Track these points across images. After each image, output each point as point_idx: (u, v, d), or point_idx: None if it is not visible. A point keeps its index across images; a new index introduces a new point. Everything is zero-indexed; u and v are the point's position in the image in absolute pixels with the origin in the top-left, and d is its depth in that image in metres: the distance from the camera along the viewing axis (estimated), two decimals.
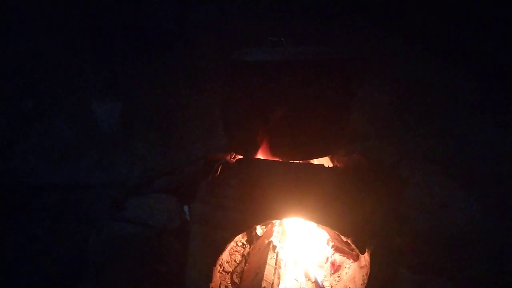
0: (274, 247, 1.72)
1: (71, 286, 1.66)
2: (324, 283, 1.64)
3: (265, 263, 1.60)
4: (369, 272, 1.46)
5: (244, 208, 1.44)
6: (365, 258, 1.51)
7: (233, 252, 1.81)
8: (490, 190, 1.95)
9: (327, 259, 1.76)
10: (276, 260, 1.67)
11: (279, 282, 1.61)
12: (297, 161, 1.58)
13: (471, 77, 2.41)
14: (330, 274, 1.71)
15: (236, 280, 1.67)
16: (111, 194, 1.87)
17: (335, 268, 1.72)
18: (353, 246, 1.52)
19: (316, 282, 1.64)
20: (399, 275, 1.49)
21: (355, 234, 1.44)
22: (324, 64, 1.52)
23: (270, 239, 1.75)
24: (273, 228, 1.84)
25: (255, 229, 1.88)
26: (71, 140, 2.90)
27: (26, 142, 2.89)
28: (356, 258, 1.63)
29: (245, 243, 1.88)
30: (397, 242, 1.50)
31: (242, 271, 1.71)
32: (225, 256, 1.71)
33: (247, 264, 1.74)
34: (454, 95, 2.46)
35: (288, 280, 1.66)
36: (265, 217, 1.47)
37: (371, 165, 1.74)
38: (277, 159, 1.54)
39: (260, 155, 1.56)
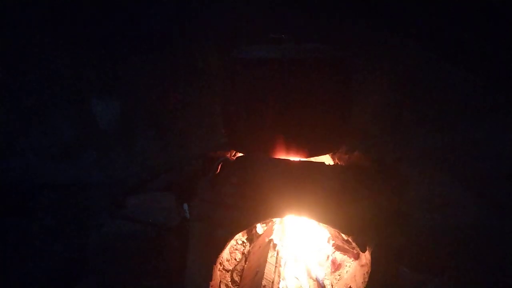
0: (275, 245, 1.72)
1: (70, 284, 1.65)
2: (324, 282, 1.63)
3: (265, 261, 1.60)
4: (369, 270, 1.45)
5: (245, 206, 1.43)
6: (365, 256, 1.50)
7: (233, 250, 1.81)
8: (491, 189, 1.95)
9: (328, 257, 1.76)
10: (277, 258, 1.67)
11: (280, 281, 1.60)
12: (298, 159, 1.57)
13: (472, 76, 2.40)
14: (331, 273, 1.70)
15: (236, 279, 1.66)
16: (111, 192, 1.86)
17: (336, 266, 1.71)
18: (353, 244, 1.51)
19: (316, 280, 1.63)
20: (399, 273, 1.48)
21: (356, 232, 1.44)
22: (325, 62, 1.52)
23: (271, 237, 1.75)
24: (274, 226, 1.83)
25: (256, 227, 1.87)
26: (70, 138, 2.89)
27: (25, 140, 2.89)
28: (356, 257, 1.63)
29: (245, 241, 1.87)
30: (398, 240, 1.49)
31: (242, 270, 1.71)
32: (225, 254, 1.70)
33: (247, 263, 1.74)
34: (455, 93, 2.46)
35: (289, 278, 1.65)
36: (266, 215, 1.47)
37: (372, 163, 1.74)
38: (278, 157, 1.54)
39: (260, 153, 1.55)
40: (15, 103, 2.85)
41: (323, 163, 1.56)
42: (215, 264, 1.49)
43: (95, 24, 2.66)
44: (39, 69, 2.80)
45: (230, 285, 1.63)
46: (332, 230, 1.65)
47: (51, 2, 2.66)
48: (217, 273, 1.55)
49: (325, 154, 1.71)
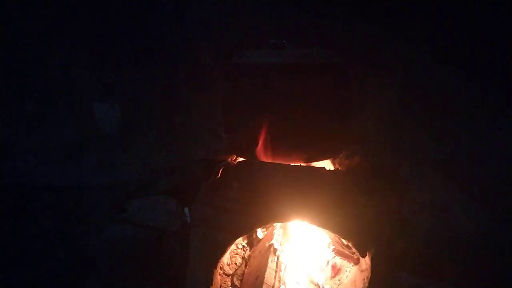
0: (275, 250, 1.72)
1: (72, 287, 1.65)
2: (324, 287, 1.63)
3: (265, 266, 1.60)
4: (369, 275, 1.45)
5: (245, 211, 1.44)
6: (365, 261, 1.50)
7: (233, 254, 1.81)
8: (490, 193, 1.95)
9: (328, 262, 1.76)
10: (277, 263, 1.67)
11: (280, 285, 1.60)
12: (298, 164, 1.58)
13: (472, 80, 2.41)
14: (331, 278, 1.70)
15: (237, 283, 1.66)
16: (112, 196, 1.87)
17: (336, 271, 1.71)
18: (354, 249, 1.51)
19: (317, 285, 1.63)
20: (400, 278, 1.49)
21: (356, 237, 1.44)
22: (325, 67, 1.52)
23: (271, 242, 1.75)
24: (274, 231, 1.83)
25: (256, 231, 1.87)
26: (72, 141, 2.90)
27: (26, 143, 2.89)
28: (356, 262, 1.63)
29: (245, 245, 1.87)
30: (398, 245, 1.49)
31: (243, 274, 1.71)
32: (225, 258, 1.70)
33: (247, 267, 1.74)
34: (454, 98, 2.46)
35: (289, 283, 1.65)
36: (266, 220, 1.47)
37: (372, 168, 1.74)
38: (279, 162, 1.54)
39: (261, 158, 1.56)
40: (17, 106, 2.87)
41: (324, 168, 1.57)
42: (216, 269, 1.49)
43: (96, 28, 2.67)
44: (41, 72, 2.81)
45: None
46: (332, 235, 1.65)
47: (52, 6, 2.67)
48: (218, 277, 1.55)
49: (326, 159, 1.71)
